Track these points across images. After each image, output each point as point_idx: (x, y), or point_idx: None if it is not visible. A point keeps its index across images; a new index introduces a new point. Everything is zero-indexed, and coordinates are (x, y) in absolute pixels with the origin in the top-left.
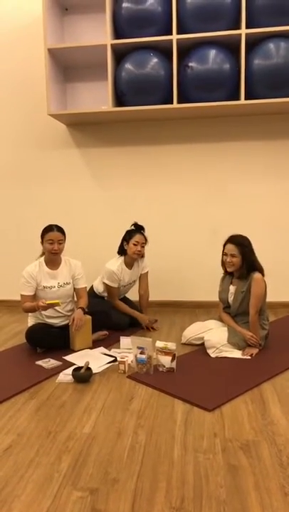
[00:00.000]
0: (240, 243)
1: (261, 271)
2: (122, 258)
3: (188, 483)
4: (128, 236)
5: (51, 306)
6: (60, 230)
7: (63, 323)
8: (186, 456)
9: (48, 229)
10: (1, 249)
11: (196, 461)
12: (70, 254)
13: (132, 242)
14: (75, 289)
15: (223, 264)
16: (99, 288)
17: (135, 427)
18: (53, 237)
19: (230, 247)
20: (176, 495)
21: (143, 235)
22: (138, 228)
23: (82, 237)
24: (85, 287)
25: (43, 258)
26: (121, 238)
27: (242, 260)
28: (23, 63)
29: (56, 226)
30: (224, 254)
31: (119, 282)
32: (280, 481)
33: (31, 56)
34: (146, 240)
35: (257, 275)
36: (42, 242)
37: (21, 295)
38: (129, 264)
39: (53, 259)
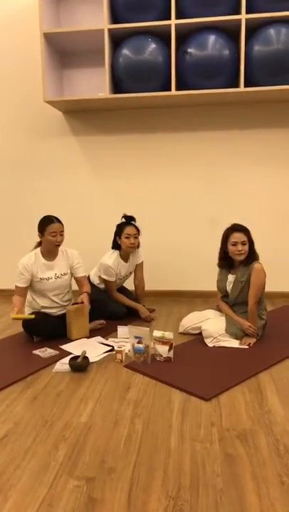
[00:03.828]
0: (247, 230)
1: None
2: (117, 252)
3: (185, 472)
4: (119, 230)
5: (21, 319)
6: (59, 220)
7: (60, 312)
8: (183, 445)
9: (49, 221)
10: None
11: (192, 450)
12: (66, 245)
13: (123, 235)
14: (75, 278)
15: (226, 254)
16: (95, 280)
17: (132, 416)
18: (55, 229)
19: (240, 235)
20: (172, 484)
21: (134, 225)
22: (128, 220)
23: (78, 227)
24: (85, 275)
25: (39, 249)
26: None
27: (249, 246)
28: (18, 48)
29: (55, 217)
30: (233, 244)
31: (116, 276)
32: (277, 470)
33: (27, 41)
34: (138, 230)
35: (257, 265)
36: (42, 235)
37: (15, 286)
38: (124, 257)
39: (53, 250)
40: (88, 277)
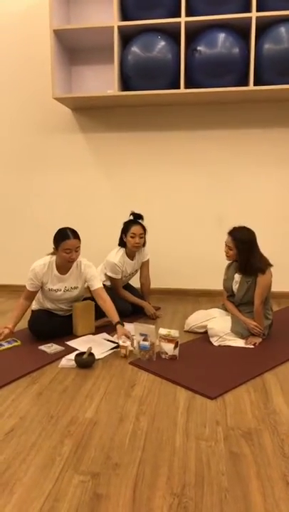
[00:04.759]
0: (236, 237)
1: (262, 269)
2: (123, 249)
3: (190, 470)
4: (125, 228)
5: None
6: (76, 235)
7: (67, 314)
8: (187, 443)
9: (64, 236)
10: (4, 235)
11: (197, 449)
12: None
13: (129, 234)
14: (91, 291)
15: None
16: (101, 277)
17: (137, 413)
18: (70, 246)
19: (228, 239)
20: (177, 481)
21: (141, 224)
22: (135, 218)
23: (85, 223)
24: (101, 287)
25: (54, 259)
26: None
27: (237, 254)
28: (27, 45)
29: (72, 232)
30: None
31: (122, 273)
32: (282, 469)
33: (36, 37)
34: (144, 229)
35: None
36: (56, 248)
37: (25, 286)
38: (130, 255)
39: (66, 265)
40: None
